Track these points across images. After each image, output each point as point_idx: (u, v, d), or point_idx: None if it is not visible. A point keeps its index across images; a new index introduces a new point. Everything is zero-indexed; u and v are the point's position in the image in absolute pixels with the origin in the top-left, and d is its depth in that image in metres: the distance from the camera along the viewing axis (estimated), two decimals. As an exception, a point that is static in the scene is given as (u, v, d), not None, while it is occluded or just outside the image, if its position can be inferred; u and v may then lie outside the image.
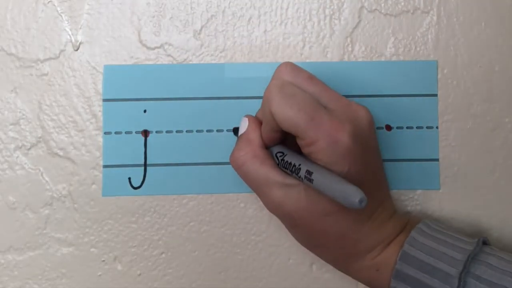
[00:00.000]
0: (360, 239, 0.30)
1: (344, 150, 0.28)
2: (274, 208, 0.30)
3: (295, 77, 0.30)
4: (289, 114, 0.28)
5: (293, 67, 0.30)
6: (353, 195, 0.25)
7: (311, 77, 0.30)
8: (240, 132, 0.33)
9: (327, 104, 0.29)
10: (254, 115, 0.33)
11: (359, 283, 0.35)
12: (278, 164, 0.31)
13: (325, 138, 0.28)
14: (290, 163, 0.29)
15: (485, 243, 0.30)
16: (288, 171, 0.30)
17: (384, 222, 0.31)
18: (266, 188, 0.30)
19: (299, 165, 0.29)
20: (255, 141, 0.31)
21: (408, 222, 0.32)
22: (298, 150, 0.30)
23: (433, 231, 0.30)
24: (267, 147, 0.32)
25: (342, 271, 0.33)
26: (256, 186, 0.31)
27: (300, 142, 0.29)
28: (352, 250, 0.30)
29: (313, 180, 0.27)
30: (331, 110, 0.29)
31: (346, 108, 0.30)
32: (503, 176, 0.36)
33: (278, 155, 0.31)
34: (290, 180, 0.30)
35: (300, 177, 0.28)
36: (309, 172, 0.28)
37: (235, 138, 0.35)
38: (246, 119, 0.32)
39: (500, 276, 0.27)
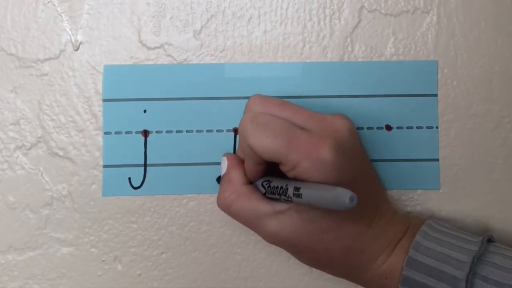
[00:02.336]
0: (364, 249, 0.30)
1: (328, 165, 0.27)
2: (272, 239, 0.30)
3: (266, 107, 0.30)
4: (266, 143, 0.28)
5: (262, 98, 0.30)
6: (342, 195, 0.24)
7: (282, 103, 0.30)
8: (222, 172, 0.33)
9: (303, 124, 0.29)
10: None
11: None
12: (265, 193, 0.31)
13: (307, 158, 0.27)
14: (277, 187, 0.29)
15: (490, 240, 0.30)
16: (277, 196, 0.29)
17: (385, 228, 0.31)
18: (259, 222, 0.30)
19: (286, 185, 0.28)
20: (237, 179, 0.31)
21: (410, 224, 0.32)
22: (284, 177, 0.30)
23: (437, 233, 0.30)
24: (252, 182, 0.32)
25: (355, 282, 0.33)
26: (249, 223, 0.31)
27: (283, 168, 0.29)
28: (357, 262, 0.30)
29: (301, 194, 0.27)
30: (308, 130, 0.29)
31: (323, 123, 0.29)
32: (503, 176, 0.36)
33: (264, 183, 0.31)
34: (280, 207, 0.29)
35: (289, 197, 0.28)
36: (296, 188, 0.27)
37: (233, 138, 0.35)
38: (225, 158, 0.33)
39: (507, 275, 0.27)
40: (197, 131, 0.35)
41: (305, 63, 0.35)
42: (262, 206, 0.30)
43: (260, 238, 0.35)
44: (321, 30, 0.36)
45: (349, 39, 0.36)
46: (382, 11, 0.36)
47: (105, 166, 0.35)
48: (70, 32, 0.35)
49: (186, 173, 0.35)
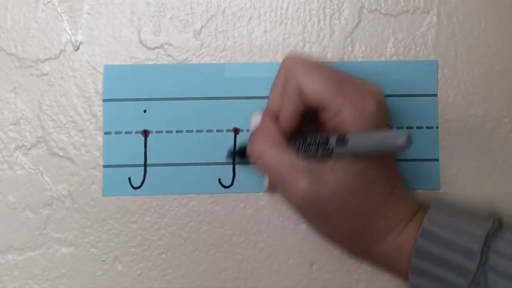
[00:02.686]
0: (384, 216, 0.30)
1: (370, 118, 0.28)
2: (302, 197, 0.29)
3: (311, 59, 0.31)
4: (316, 84, 0.29)
5: (299, 54, 0.31)
6: (399, 135, 0.24)
7: (320, 62, 0.31)
8: (252, 126, 0.32)
9: (346, 80, 0.30)
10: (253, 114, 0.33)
11: (359, 283, 0.35)
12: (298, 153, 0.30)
13: (353, 106, 0.28)
14: (315, 141, 0.29)
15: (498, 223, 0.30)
16: (312, 152, 0.29)
17: (403, 199, 0.31)
18: (289, 176, 0.29)
19: (327, 137, 0.28)
20: (274, 129, 0.31)
21: (421, 205, 0.32)
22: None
23: (450, 210, 0.31)
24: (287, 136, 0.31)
25: (364, 257, 0.33)
26: (279, 176, 0.30)
27: (325, 115, 0.29)
28: (377, 228, 0.30)
29: (347, 140, 0.27)
30: (352, 84, 0.29)
31: (365, 84, 0.30)
32: (503, 176, 0.36)
33: (297, 143, 0.30)
34: (314, 165, 0.29)
35: (329, 146, 0.28)
36: (341, 136, 0.27)
37: (233, 138, 0.35)
38: (258, 112, 0.32)
39: None
40: (197, 131, 0.35)
41: (305, 63, 0.35)
42: (297, 160, 0.29)
43: (260, 238, 0.35)
44: (321, 30, 0.36)
45: (349, 39, 0.36)
46: (382, 11, 0.36)
47: (105, 166, 0.35)
48: (70, 32, 0.35)
49: (186, 173, 0.35)
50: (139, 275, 0.35)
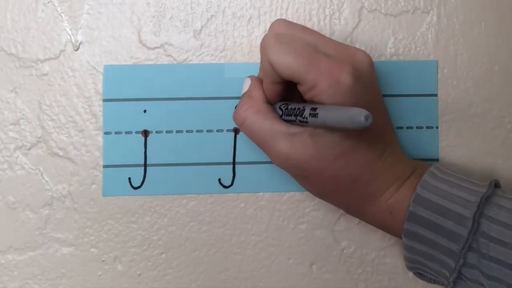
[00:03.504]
0: (372, 180, 0.30)
1: (346, 89, 0.28)
2: (283, 160, 0.30)
3: (290, 29, 0.30)
4: (287, 60, 0.28)
5: (286, 21, 0.31)
6: (358, 114, 0.24)
7: (306, 28, 0.31)
8: (243, 91, 0.33)
9: (325, 50, 0.29)
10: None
11: (359, 283, 0.35)
12: (281, 116, 0.31)
13: (326, 80, 0.28)
14: (294, 108, 0.29)
15: (496, 185, 0.30)
16: (293, 117, 0.30)
17: (395, 164, 0.31)
18: (272, 140, 0.30)
19: (303, 107, 0.28)
20: (257, 96, 0.32)
21: (417, 166, 0.32)
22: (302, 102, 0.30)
23: (445, 175, 0.30)
24: (270, 103, 0.32)
25: (356, 216, 0.33)
26: (261, 140, 0.31)
27: (301, 88, 0.29)
28: (364, 192, 0.30)
29: (318, 114, 0.27)
30: (329, 55, 0.29)
31: (345, 52, 0.30)
32: (503, 176, 0.36)
33: (282, 106, 0.31)
34: (295, 129, 0.29)
35: (305, 117, 0.28)
36: (313, 109, 0.27)
37: (233, 138, 0.35)
38: (249, 78, 0.33)
39: None
40: (197, 131, 0.35)
41: (305, 63, 0.35)
42: (277, 125, 0.30)
43: (260, 238, 0.35)
44: (321, 30, 0.36)
45: (349, 39, 0.36)
46: (382, 11, 0.36)
47: (105, 166, 0.35)
48: (70, 32, 0.35)
49: (186, 173, 0.35)
50: (139, 275, 0.35)
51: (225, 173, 0.35)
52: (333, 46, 0.30)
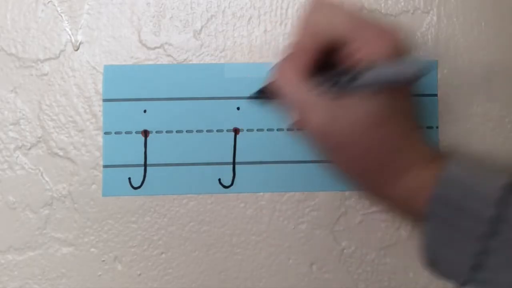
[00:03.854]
0: (405, 152, 0.30)
1: (391, 53, 0.28)
2: (317, 130, 0.29)
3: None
4: (337, 21, 0.29)
5: None
6: (418, 62, 0.25)
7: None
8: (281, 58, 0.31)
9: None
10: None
11: (359, 283, 0.35)
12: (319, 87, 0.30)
13: (374, 41, 0.28)
14: (338, 72, 0.29)
15: None
16: (331, 87, 0.29)
17: (422, 141, 0.31)
18: (306, 110, 0.29)
19: (345, 70, 0.28)
20: (295, 64, 0.30)
21: (438, 150, 0.32)
22: None
23: (471, 161, 0.31)
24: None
25: (379, 196, 0.32)
26: (300, 104, 0.30)
27: (343, 52, 0.29)
28: (394, 167, 0.30)
29: (372, 67, 0.27)
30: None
31: (381, 25, 0.30)
32: (503, 176, 0.36)
33: (320, 79, 0.30)
34: (331, 100, 0.29)
35: (352, 77, 0.28)
36: (360, 69, 0.27)
37: (233, 138, 0.35)
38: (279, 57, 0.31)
39: None
40: (197, 131, 0.35)
41: (305, 63, 0.35)
42: (315, 95, 0.29)
43: (260, 238, 0.35)
44: (321, 30, 0.36)
45: (349, 39, 0.36)
46: (382, 11, 0.36)
47: (105, 166, 0.35)
48: (70, 32, 0.35)
49: (186, 173, 0.35)
50: (139, 275, 0.35)
51: (225, 173, 0.35)
52: (373, 20, 0.30)
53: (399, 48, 0.29)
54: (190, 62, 0.35)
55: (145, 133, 0.35)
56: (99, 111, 0.35)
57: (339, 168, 0.32)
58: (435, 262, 0.31)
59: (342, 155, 0.31)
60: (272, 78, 0.31)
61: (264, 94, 0.33)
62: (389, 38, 0.29)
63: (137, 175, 0.35)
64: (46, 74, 0.35)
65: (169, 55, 0.35)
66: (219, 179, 0.35)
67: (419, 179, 0.30)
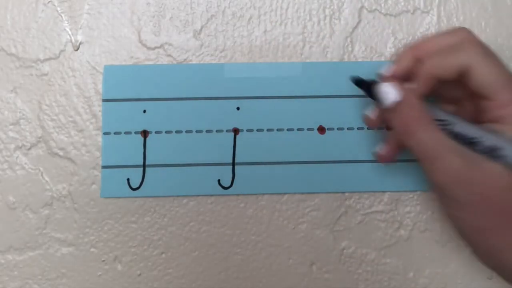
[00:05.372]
0: None
1: None
2: (452, 176, 0.28)
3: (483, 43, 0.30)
4: (489, 71, 0.28)
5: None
6: None
7: None
8: (391, 99, 0.30)
9: None
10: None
11: (359, 283, 0.35)
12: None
13: None
14: (464, 136, 0.28)
15: None
16: (467, 144, 0.28)
17: None
18: (444, 155, 0.28)
19: (478, 138, 0.27)
20: (419, 105, 0.29)
21: None
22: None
23: None
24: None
25: (498, 265, 0.30)
26: (431, 155, 0.28)
27: (487, 104, 0.28)
28: None
29: (506, 156, 0.25)
30: None
31: None
32: (503, 176, 0.36)
33: (439, 123, 0.29)
34: (467, 149, 0.28)
35: (481, 152, 0.27)
36: (494, 149, 0.26)
37: (233, 138, 0.35)
38: (393, 86, 0.30)
39: None
40: (197, 131, 0.35)
41: (305, 63, 0.35)
42: (448, 140, 0.28)
43: (260, 238, 0.35)
44: (321, 30, 0.36)
45: (349, 39, 0.36)
46: (382, 11, 0.36)
47: (103, 167, 0.35)
48: (70, 32, 0.35)
49: (186, 174, 0.35)
50: (139, 275, 0.35)
51: (225, 174, 0.35)
52: None
53: None
54: (190, 62, 0.35)
55: (145, 133, 0.35)
56: (99, 111, 0.35)
57: (459, 223, 0.30)
58: None
59: (469, 210, 0.29)
60: (398, 117, 0.29)
61: (366, 88, 0.31)
62: None
63: (136, 176, 0.35)
64: (46, 74, 0.35)
65: (169, 55, 0.35)
66: (219, 180, 0.35)
67: None
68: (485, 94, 0.28)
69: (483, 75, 0.28)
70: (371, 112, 0.32)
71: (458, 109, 0.31)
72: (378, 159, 0.33)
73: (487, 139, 0.26)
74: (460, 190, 0.28)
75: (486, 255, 0.30)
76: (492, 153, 0.26)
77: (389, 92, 0.30)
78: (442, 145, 0.28)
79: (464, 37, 0.29)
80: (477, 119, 0.29)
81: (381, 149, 0.33)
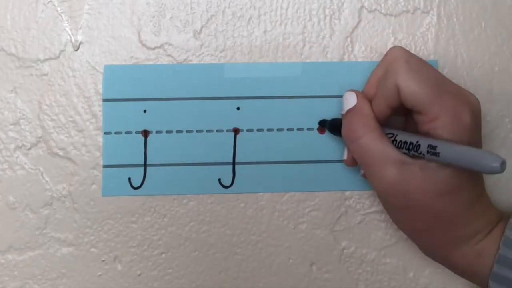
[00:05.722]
0: (468, 222, 0.30)
1: (466, 127, 0.28)
2: (387, 186, 0.30)
3: (414, 57, 0.30)
4: (416, 88, 0.28)
5: (406, 50, 0.31)
6: (493, 159, 0.24)
7: (424, 61, 0.31)
8: (348, 105, 0.32)
9: (444, 86, 0.30)
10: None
11: (359, 283, 0.35)
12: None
13: (449, 114, 0.28)
14: (406, 142, 0.29)
15: None
16: (404, 150, 0.29)
17: (488, 207, 0.31)
18: (381, 164, 0.29)
19: (417, 141, 0.28)
20: (370, 114, 0.31)
21: (503, 213, 0.32)
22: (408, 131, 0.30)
23: None
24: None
25: (440, 260, 0.32)
26: (370, 161, 0.30)
27: (420, 118, 0.29)
28: (458, 234, 0.30)
29: (439, 153, 0.27)
30: (449, 91, 0.29)
31: (460, 92, 0.30)
32: (503, 176, 0.36)
33: (388, 136, 0.30)
34: (406, 159, 0.29)
35: (420, 153, 0.28)
36: (432, 146, 0.27)
37: (233, 138, 0.35)
38: (353, 93, 0.32)
39: None
40: (197, 131, 0.35)
41: (305, 63, 0.35)
42: (390, 150, 0.29)
43: (260, 238, 0.35)
44: (321, 30, 0.36)
45: (349, 39, 0.36)
46: (382, 11, 0.36)
47: (105, 166, 0.35)
48: (70, 32, 0.35)
49: (186, 173, 0.35)
50: (139, 275, 0.35)
51: (225, 173, 0.35)
52: (449, 83, 0.30)
53: (476, 119, 0.29)
54: (190, 62, 0.35)
55: (145, 133, 0.35)
56: (99, 111, 0.35)
57: (400, 226, 0.32)
58: None
59: (404, 216, 0.31)
60: (347, 125, 0.32)
61: (333, 129, 0.34)
62: (467, 111, 0.28)
63: (137, 175, 0.35)
64: (46, 74, 0.35)
65: (169, 55, 0.35)
66: (219, 179, 0.35)
67: (483, 244, 0.30)
68: (415, 109, 0.29)
69: (408, 93, 0.29)
70: (344, 154, 0.34)
71: (406, 120, 0.32)
72: (345, 164, 0.34)
73: (424, 141, 0.28)
74: (395, 199, 0.30)
75: (427, 251, 0.33)
76: (430, 152, 0.27)
77: (348, 99, 0.32)
78: (382, 154, 0.29)
79: (392, 57, 0.30)
80: (418, 131, 0.30)
81: (345, 155, 0.34)
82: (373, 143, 0.30)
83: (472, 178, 0.29)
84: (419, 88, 0.28)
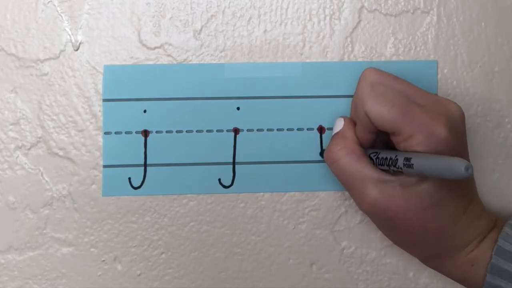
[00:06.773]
0: (457, 233, 0.30)
1: (441, 141, 0.28)
2: (369, 206, 0.30)
3: (382, 79, 0.30)
4: (383, 112, 0.29)
5: (377, 70, 0.31)
6: (458, 164, 0.24)
7: (397, 78, 0.31)
8: (335, 130, 0.33)
9: (417, 100, 0.30)
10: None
11: (359, 283, 0.35)
12: (373, 164, 0.31)
13: (421, 131, 0.28)
14: (386, 158, 0.30)
15: None
16: (385, 167, 0.30)
17: (478, 216, 0.31)
18: (361, 185, 0.30)
19: (395, 156, 0.29)
20: (351, 138, 0.32)
21: (497, 220, 0.32)
22: (392, 149, 0.31)
23: None
24: (362, 147, 0.32)
25: (435, 268, 0.33)
26: (350, 183, 0.31)
27: (395, 139, 0.29)
28: (448, 245, 0.30)
29: (413, 164, 0.27)
30: (422, 105, 0.29)
31: (437, 103, 0.30)
32: (503, 176, 0.36)
33: (372, 155, 0.31)
34: (386, 177, 0.29)
35: (398, 167, 0.28)
36: (407, 159, 0.27)
37: (233, 138, 0.35)
38: (342, 119, 0.33)
39: None
40: (197, 131, 0.35)
41: (305, 63, 0.35)
42: (369, 170, 0.30)
43: (260, 238, 0.35)
44: (321, 30, 0.36)
45: (349, 39, 0.36)
46: (382, 11, 0.36)
47: (105, 166, 0.35)
48: (70, 32, 0.35)
49: (186, 173, 0.35)
50: (139, 275, 0.35)
51: (225, 173, 0.35)
52: (424, 96, 0.30)
53: (453, 129, 0.29)
54: (190, 62, 0.35)
55: (145, 133, 0.35)
56: (99, 111, 0.35)
57: (391, 239, 0.33)
58: None
59: (393, 233, 0.32)
60: (328, 149, 0.32)
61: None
62: (440, 125, 0.28)
63: (137, 175, 0.35)
64: (46, 74, 0.35)
65: (169, 55, 0.35)
66: (219, 179, 0.35)
67: (476, 252, 0.30)
68: (388, 131, 0.29)
69: (377, 118, 0.29)
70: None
71: (388, 139, 0.32)
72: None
73: (401, 155, 0.28)
74: (380, 217, 0.31)
75: (422, 260, 0.33)
76: (406, 164, 0.28)
77: (337, 124, 0.33)
78: (361, 174, 0.30)
79: (359, 83, 0.31)
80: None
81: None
82: (351, 164, 0.31)
83: (455, 191, 0.29)
84: (387, 111, 0.29)
